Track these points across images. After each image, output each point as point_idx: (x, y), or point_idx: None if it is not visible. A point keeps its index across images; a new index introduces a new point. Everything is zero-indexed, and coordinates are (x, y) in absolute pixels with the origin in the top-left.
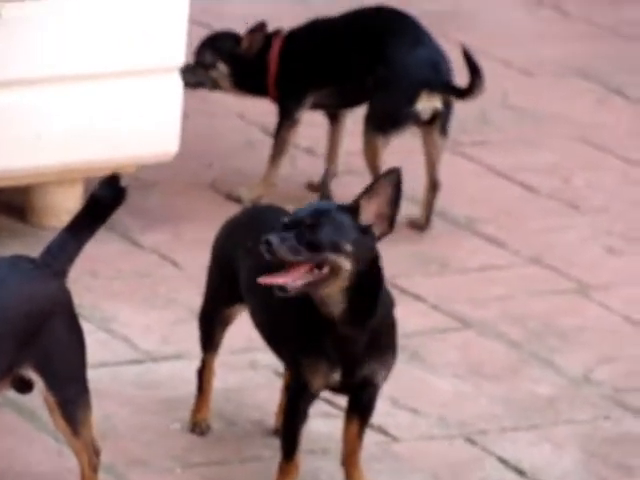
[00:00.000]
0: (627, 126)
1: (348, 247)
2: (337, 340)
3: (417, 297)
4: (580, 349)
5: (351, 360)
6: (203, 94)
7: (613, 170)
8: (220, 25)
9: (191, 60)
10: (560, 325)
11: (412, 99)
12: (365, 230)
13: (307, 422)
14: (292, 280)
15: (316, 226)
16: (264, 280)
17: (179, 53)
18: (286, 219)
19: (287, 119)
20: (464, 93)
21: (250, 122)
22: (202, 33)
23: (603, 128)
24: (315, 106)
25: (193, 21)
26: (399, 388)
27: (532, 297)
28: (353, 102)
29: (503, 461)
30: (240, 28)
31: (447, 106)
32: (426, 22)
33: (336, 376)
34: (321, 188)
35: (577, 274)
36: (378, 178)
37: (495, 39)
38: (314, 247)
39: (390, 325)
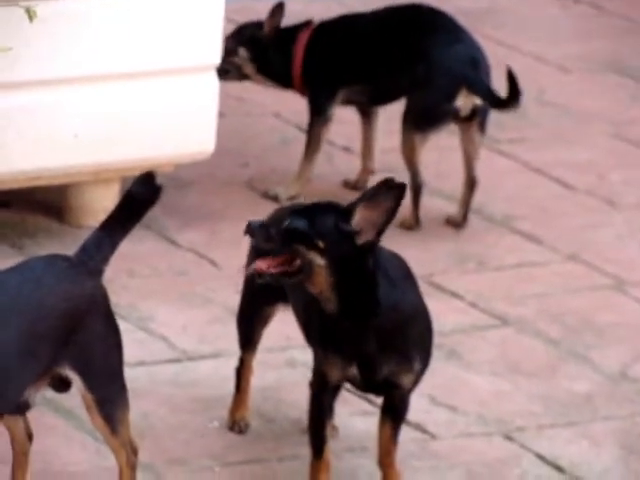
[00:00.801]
0: None
1: (320, 244)
2: (344, 335)
3: (455, 294)
4: (617, 345)
5: (365, 357)
6: (238, 92)
7: None
8: None
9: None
10: (597, 322)
11: (452, 95)
12: (348, 234)
13: (344, 420)
14: (266, 267)
15: (294, 219)
16: (245, 268)
17: (215, 52)
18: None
19: (319, 115)
20: (500, 104)
21: (286, 121)
22: None
23: (638, 124)
24: (346, 102)
25: (229, 20)
26: (437, 386)
27: (569, 294)
28: (385, 99)
29: (541, 458)
30: None
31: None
32: (461, 19)
33: (353, 371)
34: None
35: (614, 270)
36: (381, 187)
37: (530, 36)
38: (286, 238)
39: (410, 327)
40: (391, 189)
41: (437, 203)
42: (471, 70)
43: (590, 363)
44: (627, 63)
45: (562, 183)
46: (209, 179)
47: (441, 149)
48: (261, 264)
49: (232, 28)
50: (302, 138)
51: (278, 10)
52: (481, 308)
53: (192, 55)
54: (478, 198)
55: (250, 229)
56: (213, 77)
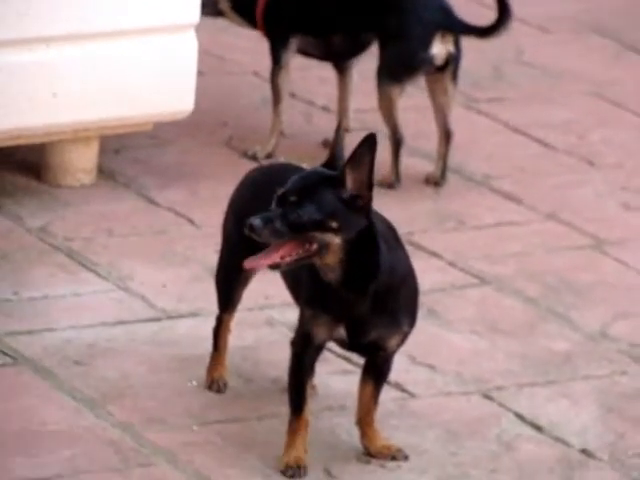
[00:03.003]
0: None
1: (333, 224)
2: (339, 301)
3: (433, 254)
4: (596, 305)
5: (356, 320)
6: (218, 51)
7: (628, 126)
8: None
9: None
10: (577, 281)
11: (428, 42)
12: (351, 201)
13: (323, 379)
14: (281, 257)
15: (299, 205)
16: (252, 264)
17: (194, 11)
18: (278, 192)
19: (276, 63)
20: (485, 32)
21: (265, 80)
22: None
23: (618, 84)
24: (303, 53)
25: None
26: (416, 345)
27: (548, 253)
28: (340, 55)
29: (520, 417)
30: None
31: (458, 51)
32: None
33: (341, 332)
34: (333, 141)
35: (593, 230)
36: (359, 146)
37: None
38: (297, 227)
39: (401, 290)
40: (363, 143)
41: (416, 162)
42: (444, 16)
43: (569, 322)
44: (608, 24)
45: (542, 143)
46: (188, 138)
47: (419, 109)
48: (274, 256)
49: None
50: None
51: None
52: (460, 267)
53: (171, 13)
54: (457, 157)
55: (253, 228)
56: (192, 36)
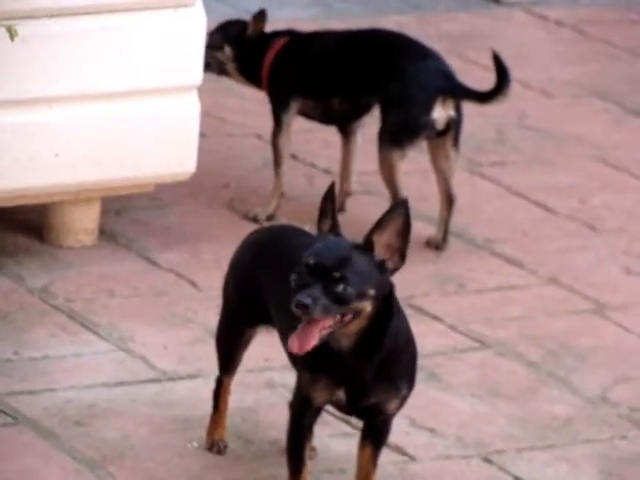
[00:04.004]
0: None
1: (372, 292)
2: (341, 365)
3: (435, 317)
4: (597, 369)
5: (357, 384)
6: (219, 113)
7: (630, 191)
8: None
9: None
10: (577, 345)
11: (429, 107)
12: (381, 267)
13: (323, 441)
14: (319, 332)
15: (343, 279)
16: (301, 347)
17: (196, 72)
18: (310, 261)
19: (276, 124)
20: (487, 97)
21: (267, 142)
22: None
23: (620, 149)
24: (304, 115)
25: None
26: (417, 408)
27: (549, 317)
28: (344, 117)
29: None
30: None
31: (459, 116)
32: (444, 43)
33: (340, 395)
34: (335, 207)
35: (594, 294)
36: (387, 211)
37: (513, 60)
38: (344, 301)
39: (402, 354)
40: (394, 208)
41: (418, 226)
42: (445, 81)
43: (570, 386)
44: (610, 88)
45: (543, 207)
46: (190, 200)
47: (422, 172)
48: (316, 332)
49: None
50: None
51: (261, 16)
52: (461, 331)
53: (173, 75)
54: (459, 221)
55: (306, 307)
56: (194, 97)
